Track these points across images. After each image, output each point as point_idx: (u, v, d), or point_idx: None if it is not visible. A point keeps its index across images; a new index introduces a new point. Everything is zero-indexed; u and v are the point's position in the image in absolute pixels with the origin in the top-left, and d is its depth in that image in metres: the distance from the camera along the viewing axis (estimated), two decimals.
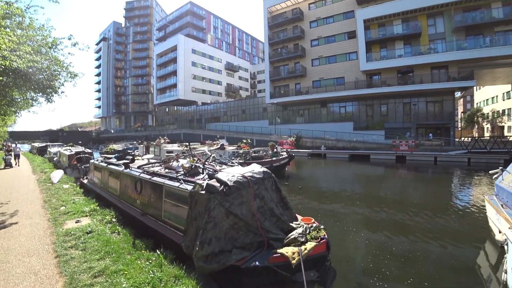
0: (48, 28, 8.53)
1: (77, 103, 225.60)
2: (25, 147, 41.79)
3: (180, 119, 59.93)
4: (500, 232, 5.73)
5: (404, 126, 30.09)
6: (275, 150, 18.39)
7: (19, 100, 9.31)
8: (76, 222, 6.22)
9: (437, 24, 29.16)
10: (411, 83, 29.10)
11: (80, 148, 20.27)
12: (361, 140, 29.50)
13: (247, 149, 18.83)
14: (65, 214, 6.98)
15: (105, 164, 8.97)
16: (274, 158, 16.54)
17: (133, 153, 12.31)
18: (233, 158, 16.55)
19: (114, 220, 6.30)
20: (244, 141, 22.66)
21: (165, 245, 4.68)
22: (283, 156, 17.17)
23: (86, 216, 6.73)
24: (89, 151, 18.90)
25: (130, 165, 7.52)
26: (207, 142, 23.75)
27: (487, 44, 25.95)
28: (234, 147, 19.63)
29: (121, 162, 8.34)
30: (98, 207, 7.31)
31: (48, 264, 4.29)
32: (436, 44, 28.82)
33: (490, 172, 7.58)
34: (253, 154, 17.64)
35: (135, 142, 39.04)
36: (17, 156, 19.84)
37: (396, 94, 30.36)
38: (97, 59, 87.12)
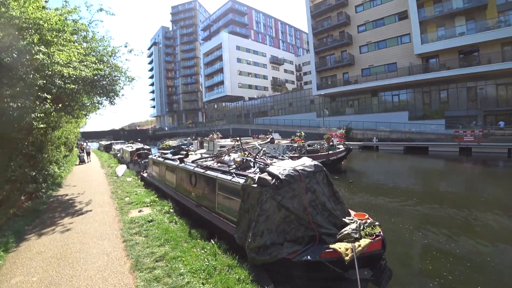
0: (108, 39, 9.54)
1: (134, 104, 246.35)
2: (94, 145, 47.15)
3: (229, 115, 61.79)
4: None
5: (468, 114, 26.81)
6: (331, 143, 17.44)
7: (88, 104, 10.32)
8: (139, 212, 6.99)
9: None
10: (477, 64, 25.66)
11: (140, 145, 22.19)
12: (417, 131, 27.22)
13: (302, 142, 18.17)
14: (129, 204, 7.90)
15: (162, 159, 9.79)
16: (330, 152, 15.88)
17: (187, 148, 13.30)
18: (287, 152, 16.46)
19: (171, 210, 6.90)
20: (298, 134, 21.87)
21: (219, 235, 4.93)
22: (340, 149, 16.43)
23: (147, 206, 7.50)
24: (148, 147, 20.60)
25: (185, 159, 8.06)
26: (260, 136, 23.31)
27: None
28: (288, 141, 19.17)
29: (176, 157, 9.00)
30: (157, 199, 8.10)
31: (117, 247, 4.99)
32: (508, 16, 24.90)
33: None
34: (308, 148, 17.00)
35: (189, 138, 40.98)
36: (88, 154, 22.32)
37: (458, 78, 27.13)
38: (150, 63, 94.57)
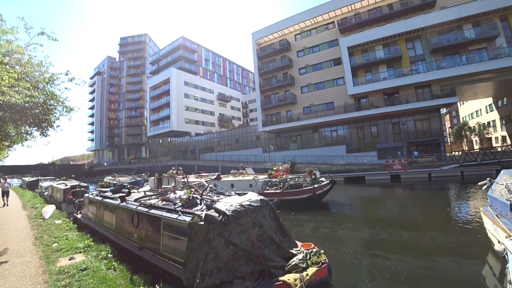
0: (46, 65, 8.74)
1: (69, 136, 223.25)
2: (15, 181, 40.67)
3: (174, 150, 59.87)
4: (498, 242, 5.67)
5: (395, 145, 30.74)
6: (313, 176, 15.77)
7: (13, 134, 9.20)
8: (69, 259, 6.04)
9: (416, 47, 31.00)
10: (398, 103, 30.20)
11: (75, 182, 19.55)
12: (354, 163, 29.77)
13: (282, 177, 16.15)
14: (57, 251, 6.76)
15: (100, 198, 8.80)
16: (316, 186, 14.52)
17: (129, 186, 11.81)
18: (267, 188, 15.42)
19: (110, 255, 6.14)
20: (275, 168, 19.29)
21: (164, 279, 4.56)
22: (325, 183, 15.08)
23: (80, 252, 6.54)
24: (85, 184, 18.21)
25: (126, 198, 7.44)
26: (231, 171, 21.19)
27: (464, 62, 27.50)
28: (265, 176, 17.31)
29: (117, 195, 8.22)
30: (92, 243, 7.13)
31: None
32: (417, 65, 30.38)
33: (479, 183, 7.53)
34: (291, 182, 15.20)
35: (143, 174, 36.94)
36: (5, 194, 16.82)
37: (385, 115, 31.34)
38: (91, 93, 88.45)
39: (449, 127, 65.19)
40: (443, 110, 41.12)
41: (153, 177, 20.78)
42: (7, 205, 16.23)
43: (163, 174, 20.75)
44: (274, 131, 41.10)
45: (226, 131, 52.28)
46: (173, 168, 22.82)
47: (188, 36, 66.95)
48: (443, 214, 11.70)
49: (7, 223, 10.87)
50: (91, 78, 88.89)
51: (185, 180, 8.03)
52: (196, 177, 19.22)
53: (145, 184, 20.50)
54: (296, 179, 15.73)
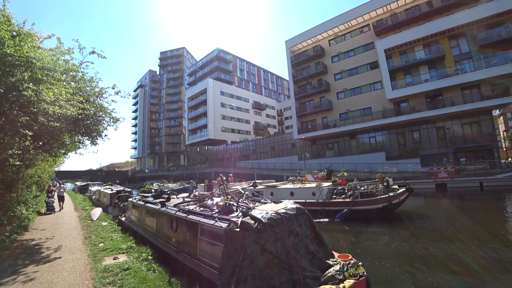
0: (96, 80, 9.58)
1: (114, 145, 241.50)
2: (68, 185, 44.72)
3: (211, 158, 61.56)
4: None
5: (440, 151, 28.60)
6: (385, 183, 14.04)
7: (68, 143, 9.96)
8: (113, 259, 6.48)
9: (460, 45, 28.80)
10: (442, 106, 28.07)
11: (119, 187, 21.03)
12: (395, 170, 28.22)
13: (350, 184, 14.60)
14: (103, 250, 7.32)
15: (142, 203, 9.33)
16: (391, 194, 12.98)
17: (169, 192, 12.43)
18: (334, 196, 14.47)
19: (150, 257, 6.45)
20: (340, 174, 17.27)
21: (201, 283, 4.69)
22: (400, 191, 13.39)
23: (123, 253, 6.99)
24: (129, 190, 19.40)
25: (166, 203, 7.74)
26: (290, 178, 20.60)
27: None
28: (330, 183, 15.85)
29: (157, 200, 8.66)
30: (134, 245, 7.56)
31: None
32: (463, 64, 28.20)
33: None
34: (361, 190, 13.71)
35: (192, 181, 38.21)
36: (61, 199, 17.09)
37: (428, 119, 29.35)
38: (134, 104, 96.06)
39: (504, 131, 58.99)
40: (496, 112, 37.48)
41: (203, 184, 21.23)
42: (62, 209, 17.03)
43: (213, 181, 21.31)
44: (310, 138, 40.51)
45: (262, 139, 52.66)
46: (221, 175, 23.25)
47: (222, 47, 69.50)
48: (501, 228, 10.62)
49: (61, 223, 12.22)
50: (135, 90, 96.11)
51: (223, 186, 8.22)
52: (248, 185, 19.55)
53: (194, 190, 20.87)
54: (366, 186, 14.17)
